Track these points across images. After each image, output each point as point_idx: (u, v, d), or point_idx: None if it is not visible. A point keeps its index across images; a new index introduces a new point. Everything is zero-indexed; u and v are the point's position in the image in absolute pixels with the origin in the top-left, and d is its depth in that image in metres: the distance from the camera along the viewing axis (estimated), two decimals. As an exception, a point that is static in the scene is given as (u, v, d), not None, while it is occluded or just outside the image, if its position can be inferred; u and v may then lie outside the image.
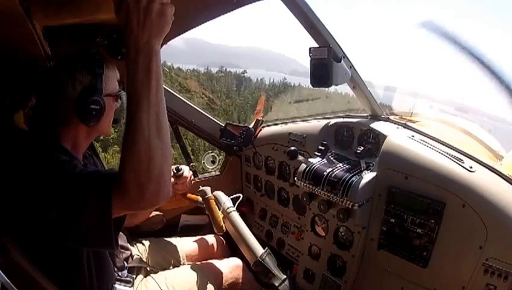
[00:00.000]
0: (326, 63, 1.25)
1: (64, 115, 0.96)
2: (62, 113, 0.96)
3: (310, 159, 1.52)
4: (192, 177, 1.57)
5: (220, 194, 1.61)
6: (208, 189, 1.55)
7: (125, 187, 0.72)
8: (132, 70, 0.72)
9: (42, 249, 0.87)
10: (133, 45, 0.72)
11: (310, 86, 1.34)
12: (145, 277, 1.38)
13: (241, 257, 1.58)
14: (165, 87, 1.89)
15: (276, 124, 2.06)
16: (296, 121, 1.96)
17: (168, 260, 1.53)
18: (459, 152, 1.30)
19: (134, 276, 1.29)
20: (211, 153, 2.18)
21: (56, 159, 0.85)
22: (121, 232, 1.34)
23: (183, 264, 1.56)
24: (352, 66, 1.38)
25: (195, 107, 2.05)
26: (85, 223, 0.76)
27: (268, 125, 2.09)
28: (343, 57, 1.32)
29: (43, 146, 0.91)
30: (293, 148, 1.45)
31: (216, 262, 1.55)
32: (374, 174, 1.36)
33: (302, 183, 1.47)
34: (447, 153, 1.28)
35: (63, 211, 0.75)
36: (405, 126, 1.51)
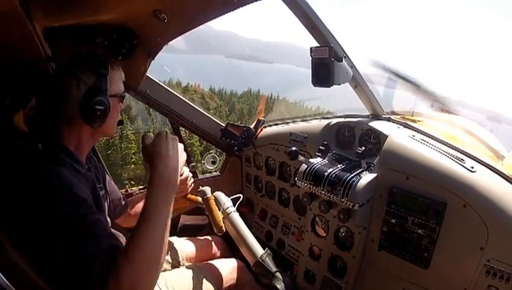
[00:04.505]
0: (328, 63, 1.25)
1: (69, 115, 0.97)
2: (66, 114, 0.97)
3: (311, 160, 1.52)
4: (192, 178, 1.57)
5: (220, 195, 1.61)
6: (207, 189, 1.55)
7: (120, 276, 0.73)
8: (150, 193, 0.87)
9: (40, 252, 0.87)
10: (157, 178, 0.89)
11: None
12: (144, 277, 1.37)
13: (241, 257, 1.58)
14: (166, 87, 1.89)
15: (277, 124, 2.06)
16: (297, 121, 1.96)
17: (168, 260, 1.52)
18: (460, 152, 1.29)
19: (133, 276, 1.29)
20: (211, 153, 2.18)
21: (74, 205, 0.81)
22: (120, 233, 1.34)
23: (183, 265, 1.55)
24: (354, 65, 1.38)
25: (196, 108, 2.05)
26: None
27: (269, 125, 2.08)
28: (344, 57, 1.31)
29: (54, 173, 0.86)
30: (293, 148, 1.44)
31: (216, 263, 1.54)
32: (374, 174, 1.36)
33: (303, 183, 1.46)
34: (448, 153, 1.27)
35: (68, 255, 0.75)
36: (406, 126, 1.50)
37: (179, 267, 1.52)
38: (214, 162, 2.18)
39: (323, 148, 1.55)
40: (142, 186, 2.00)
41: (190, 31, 1.37)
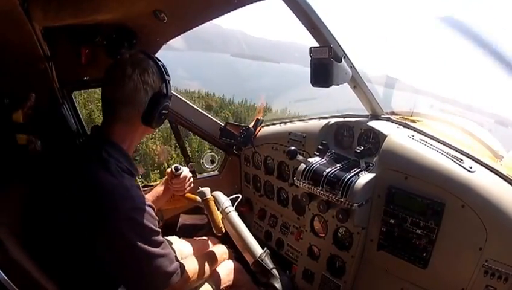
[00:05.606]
0: (327, 63, 1.25)
1: (129, 116, 1.01)
2: (127, 114, 1.01)
3: (310, 159, 1.52)
4: (191, 178, 1.57)
5: (219, 195, 1.61)
6: (207, 190, 1.55)
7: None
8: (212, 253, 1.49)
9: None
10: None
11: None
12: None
13: (239, 258, 1.58)
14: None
15: (276, 124, 2.05)
16: (296, 121, 1.96)
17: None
18: (459, 152, 1.29)
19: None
20: (210, 152, 2.19)
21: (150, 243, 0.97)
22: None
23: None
24: (353, 65, 1.38)
25: (195, 107, 2.05)
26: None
27: (268, 125, 2.08)
28: (344, 57, 1.31)
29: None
30: (292, 148, 1.44)
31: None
32: (373, 174, 1.36)
33: (302, 183, 1.46)
34: (447, 153, 1.27)
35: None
36: (405, 126, 1.50)
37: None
38: (212, 161, 2.18)
39: (321, 147, 1.56)
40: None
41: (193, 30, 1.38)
